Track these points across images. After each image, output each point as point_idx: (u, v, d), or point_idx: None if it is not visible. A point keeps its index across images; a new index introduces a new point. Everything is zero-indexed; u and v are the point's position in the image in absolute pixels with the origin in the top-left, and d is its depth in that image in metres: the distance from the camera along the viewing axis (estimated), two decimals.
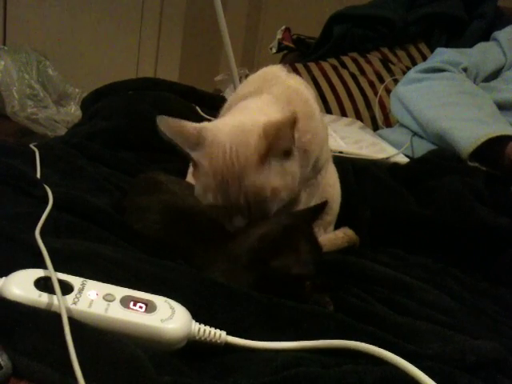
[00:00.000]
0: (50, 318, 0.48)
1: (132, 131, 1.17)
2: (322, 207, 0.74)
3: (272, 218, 0.70)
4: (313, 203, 0.87)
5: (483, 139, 1.26)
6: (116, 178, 0.98)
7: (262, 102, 0.78)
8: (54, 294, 0.50)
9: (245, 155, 0.69)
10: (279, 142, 0.69)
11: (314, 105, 0.85)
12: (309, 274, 0.65)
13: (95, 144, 1.13)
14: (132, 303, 0.52)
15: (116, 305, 0.51)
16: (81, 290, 0.52)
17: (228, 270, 0.66)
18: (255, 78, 0.88)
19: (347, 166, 1.15)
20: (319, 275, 0.67)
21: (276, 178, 0.69)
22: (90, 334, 0.48)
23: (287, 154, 0.71)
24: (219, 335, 0.54)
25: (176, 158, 1.00)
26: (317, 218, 0.74)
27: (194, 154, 0.72)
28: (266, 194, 0.69)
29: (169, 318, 0.52)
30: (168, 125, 0.71)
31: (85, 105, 1.50)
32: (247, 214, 0.70)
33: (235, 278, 0.64)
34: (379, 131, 1.71)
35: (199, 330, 0.53)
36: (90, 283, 0.53)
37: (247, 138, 0.70)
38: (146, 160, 1.12)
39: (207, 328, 0.54)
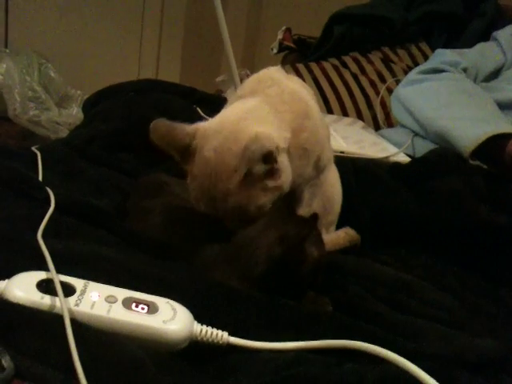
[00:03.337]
0: (53, 319, 0.48)
1: (133, 133, 1.17)
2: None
3: (269, 220, 0.70)
4: (315, 203, 0.87)
5: (484, 137, 1.26)
6: (117, 180, 0.98)
7: (254, 103, 0.79)
8: (57, 295, 0.50)
9: (226, 176, 0.70)
10: (257, 168, 0.69)
11: (312, 105, 0.85)
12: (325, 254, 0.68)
13: (96, 146, 1.13)
14: (134, 304, 0.52)
15: (118, 306, 0.52)
16: (83, 292, 0.52)
17: (238, 275, 0.66)
18: (252, 80, 0.88)
19: (348, 165, 1.15)
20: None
21: (260, 196, 0.70)
22: (92, 335, 0.48)
23: (270, 172, 0.71)
24: (221, 336, 0.54)
25: None
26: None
27: (183, 163, 0.74)
28: (250, 210, 0.70)
29: (171, 319, 0.52)
30: (160, 134, 0.74)
31: (86, 107, 1.50)
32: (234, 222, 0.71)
33: (247, 280, 0.65)
34: (381, 131, 1.70)
35: (201, 330, 0.54)
36: (92, 285, 0.54)
37: (229, 158, 0.70)
38: (147, 161, 1.12)
39: (209, 329, 0.54)
